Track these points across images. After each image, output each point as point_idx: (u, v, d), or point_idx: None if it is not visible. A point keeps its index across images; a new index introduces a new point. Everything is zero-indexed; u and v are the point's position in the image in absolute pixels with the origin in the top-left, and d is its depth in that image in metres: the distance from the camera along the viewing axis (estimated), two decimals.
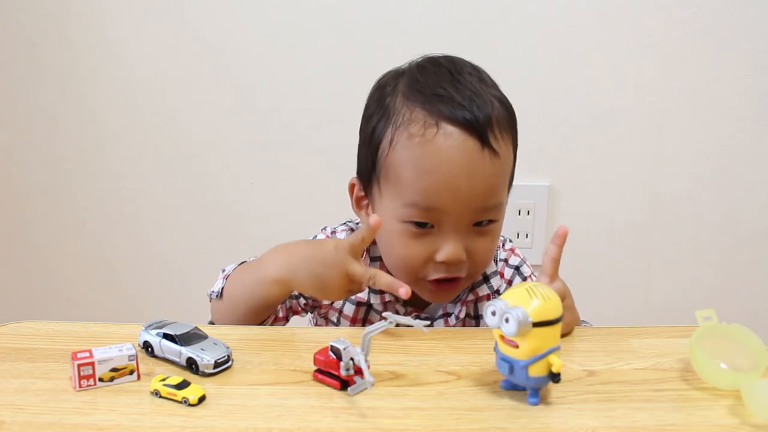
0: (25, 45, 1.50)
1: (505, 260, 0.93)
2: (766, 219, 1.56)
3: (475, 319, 0.91)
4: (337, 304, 0.89)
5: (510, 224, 1.57)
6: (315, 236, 0.92)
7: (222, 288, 0.83)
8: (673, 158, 1.53)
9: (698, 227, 1.56)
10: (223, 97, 1.52)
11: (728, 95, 1.49)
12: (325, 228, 0.93)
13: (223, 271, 0.86)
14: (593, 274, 1.59)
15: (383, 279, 0.73)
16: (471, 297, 0.89)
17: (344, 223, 0.93)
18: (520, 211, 1.55)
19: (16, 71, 1.52)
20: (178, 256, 1.61)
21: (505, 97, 0.83)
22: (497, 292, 0.91)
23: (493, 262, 0.90)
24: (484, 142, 0.76)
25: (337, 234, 0.91)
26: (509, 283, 0.92)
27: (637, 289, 1.61)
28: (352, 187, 0.88)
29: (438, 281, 0.81)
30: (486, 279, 0.90)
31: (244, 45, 1.49)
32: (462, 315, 0.89)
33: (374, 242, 0.86)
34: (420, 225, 0.78)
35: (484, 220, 0.80)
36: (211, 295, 0.84)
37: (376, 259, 0.88)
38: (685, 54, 1.47)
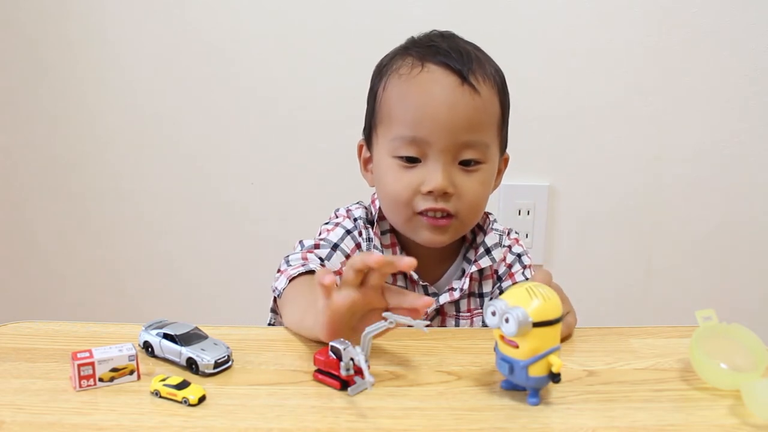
0: (25, 45, 1.50)
1: (509, 247, 0.96)
2: (766, 219, 1.56)
3: (480, 297, 0.93)
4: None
5: (510, 224, 1.57)
6: (329, 222, 0.94)
7: (283, 289, 0.82)
8: (673, 158, 1.53)
9: (698, 227, 1.56)
10: (223, 97, 1.52)
11: (728, 95, 1.49)
12: (338, 210, 0.95)
13: (287, 263, 0.86)
14: (593, 274, 1.59)
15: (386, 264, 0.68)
16: (474, 269, 0.91)
17: (357, 203, 0.96)
18: (520, 211, 1.55)
19: (16, 71, 1.52)
20: (178, 256, 1.61)
21: (499, 69, 0.88)
22: (499, 279, 0.94)
23: (494, 233, 0.94)
24: (464, 79, 0.82)
25: (352, 212, 0.94)
26: (509, 267, 0.94)
27: (637, 289, 1.61)
28: (360, 148, 0.94)
29: (431, 217, 0.83)
30: (488, 251, 0.92)
31: (245, 45, 1.49)
32: (465, 287, 0.90)
33: (383, 217, 0.91)
34: (409, 160, 0.83)
35: (470, 160, 0.83)
36: (274, 291, 0.85)
37: (386, 232, 0.92)
38: (685, 54, 1.47)
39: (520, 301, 0.59)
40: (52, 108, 1.53)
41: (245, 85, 1.51)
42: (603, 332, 0.78)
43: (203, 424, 0.58)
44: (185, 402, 0.60)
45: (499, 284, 0.94)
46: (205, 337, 0.69)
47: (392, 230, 0.91)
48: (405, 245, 0.91)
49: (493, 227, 0.94)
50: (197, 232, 1.59)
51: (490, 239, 0.93)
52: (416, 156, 0.83)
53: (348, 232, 0.91)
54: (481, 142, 0.83)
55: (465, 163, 0.83)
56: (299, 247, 0.90)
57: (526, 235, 1.56)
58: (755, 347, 0.66)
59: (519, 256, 0.95)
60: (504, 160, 0.92)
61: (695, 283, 1.58)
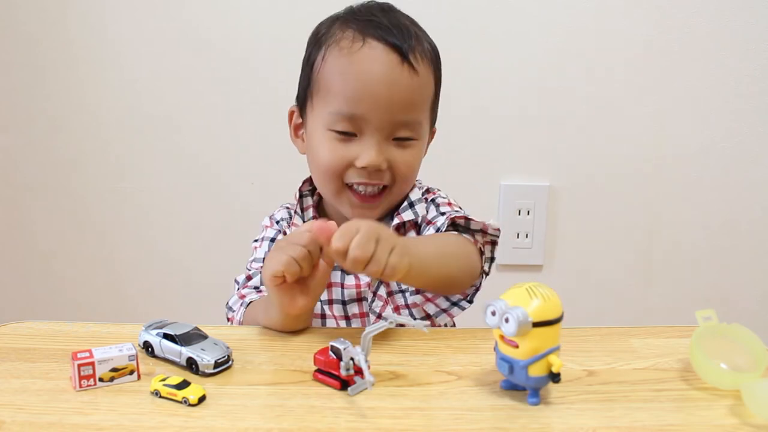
0: (25, 45, 1.50)
1: (425, 198, 0.95)
2: (766, 219, 1.56)
3: None
4: None
5: (510, 224, 1.57)
6: (257, 239, 0.97)
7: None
8: (673, 158, 1.53)
9: (698, 227, 1.56)
10: (223, 97, 1.52)
11: (728, 95, 1.49)
12: (264, 221, 0.98)
13: (230, 309, 0.89)
14: (593, 274, 1.59)
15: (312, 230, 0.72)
16: (396, 222, 0.90)
17: (281, 205, 0.99)
18: (520, 211, 1.55)
19: (16, 71, 1.52)
20: (178, 256, 1.61)
21: (434, 44, 0.89)
22: (418, 226, 0.92)
23: (418, 190, 0.94)
24: (404, 58, 0.83)
25: (274, 216, 0.97)
26: (426, 213, 0.92)
27: (637, 289, 1.61)
28: (291, 114, 0.96)
29: (362, 195, 0.86)
30: (411, 205, 0.92)
31: (245, 44, 1.49)
32: None
33: (308, 194, 0.94)
34: (344, 134, 0.84)
35: (404, 137, 0.85)
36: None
37: (309, 208, 0.95)
38: (685, 54, 1.47)
39: (520, 301, 0.59)
40: (52, 108, 1.53)
41: (246, 85, 1.51)
42: (603, 332, 0.78)
43: (203, 424, 0.58)
44: (185, 402, 0.60)
45: (419, 231, 0.92)
46: (205, 337, 0.69)
47: (316, 206, 0.94)
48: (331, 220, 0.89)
49: (418, 186, 0.95)
50: (197, 232, 1.59)
51: (414, 194, 0.93)
52: (352, 131, 0.84)
53: (272, 240, 0.94)
54: (416, 121, 0.85)
55: (398, 140, 0.85)
56: (235, 287, 0.92)
57: (526, 235, 1.56)
58: (755, 347, 0.66)
59: (433, 201, 0.93)
60: (432, 133, 0.94)
61: (695, 283, 1.58)
